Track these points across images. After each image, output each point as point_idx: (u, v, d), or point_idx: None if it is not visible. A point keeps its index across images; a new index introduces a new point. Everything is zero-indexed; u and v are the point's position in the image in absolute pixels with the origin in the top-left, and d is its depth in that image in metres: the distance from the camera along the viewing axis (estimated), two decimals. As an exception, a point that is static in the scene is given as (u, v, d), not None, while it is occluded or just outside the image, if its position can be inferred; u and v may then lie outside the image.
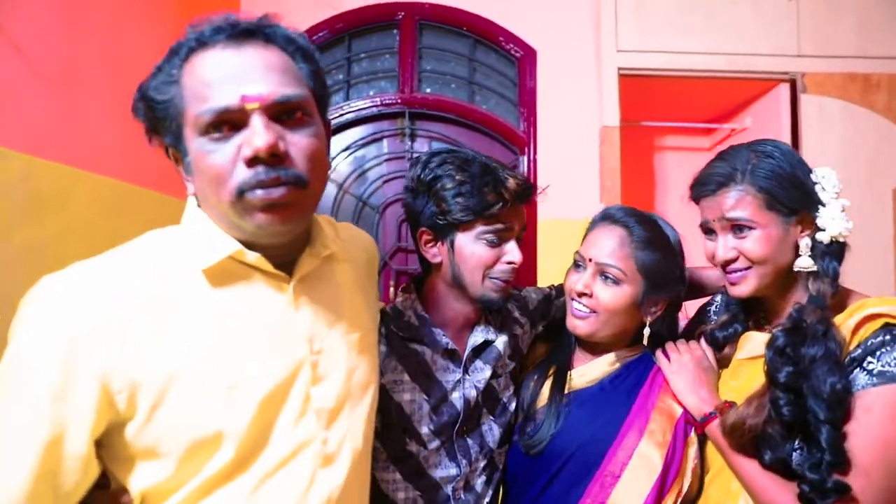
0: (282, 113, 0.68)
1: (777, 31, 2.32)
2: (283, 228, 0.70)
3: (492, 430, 1.06)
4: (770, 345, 0.92)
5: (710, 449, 1.02)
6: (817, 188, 0.94)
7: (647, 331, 1.08)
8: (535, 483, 1.06)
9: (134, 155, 1.49)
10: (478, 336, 1.05)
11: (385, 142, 2.44)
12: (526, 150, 2.38)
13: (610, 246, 1.05)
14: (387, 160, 2.43)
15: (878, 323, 0.87)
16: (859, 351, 0.86)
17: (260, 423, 0.70)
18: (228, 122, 0.66)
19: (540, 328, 1.20)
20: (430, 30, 2.44)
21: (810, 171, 0.95)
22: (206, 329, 0.69)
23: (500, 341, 1.07)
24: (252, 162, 0.66)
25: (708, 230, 1.00)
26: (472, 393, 1.03)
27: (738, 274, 0.96)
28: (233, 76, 0.67)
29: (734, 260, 0.96)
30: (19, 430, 0.62)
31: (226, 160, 0.66)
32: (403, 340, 1.02)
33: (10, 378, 0.63)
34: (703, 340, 1.10)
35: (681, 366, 1.06)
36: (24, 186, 1.22)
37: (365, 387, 0.83)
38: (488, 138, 2.42)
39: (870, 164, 2.31)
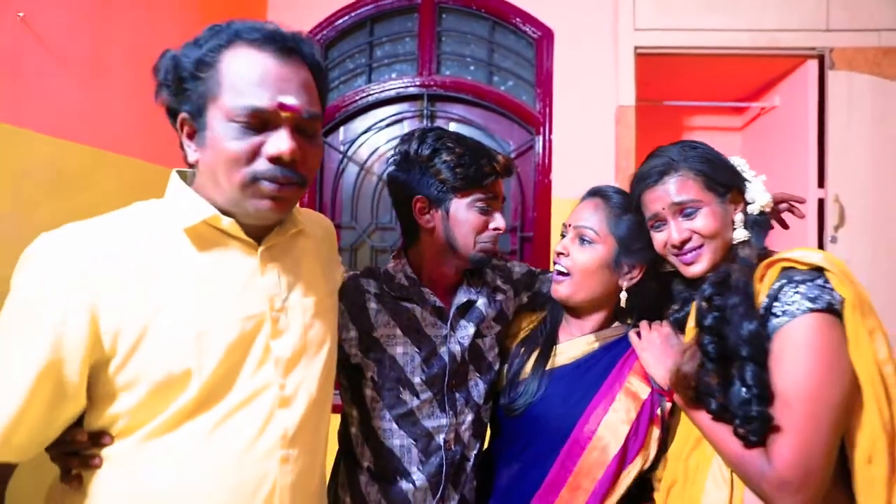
0: (303, 125, 0.82)
1: (804, 5, 2.24)
2: (276, 216, 0.86)
3: (477, 387, 1.17)
4: (700, 295, 1.02)
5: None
6: (739, 170, 1.07)
7: (623, 295, 1.16)
8: (516, 443, 1.17)
9: (155, 136, 1.62)
10: (461, 296, 1.17)
11: (405, 123, 2.52)
12: (541, 129, 2.40)
13: (587, 212, 1.16)
14: (407, 141, 2.50)
15: (777, 269, 0.95)
16: (767, 300, 0.94)
17: (225, 366, 0.81)
18: (259, 120, 0.79)
19: (525, 299, 1.30)
20: (449, 13, 2.49)
21: (730, 161, 1.08)
22: (183, 284, 0.81)
23: (482, 303, 1.19)
24: (275, 160, 0.80)
25: (656, 223, 1.09)
26: (458, 348, 1.15)
27: (693, 253, 1.04)
28: (273, 84, 0.80)
29: (688, 240, 1.04)
30: (23, 355, 0.73)
31: (247, 149, 0.79)
32: (395, 299, 1.14)
33: (14, 312, 0.75)
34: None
35: (649, 342, 1.14)
36: (52, 167, 1.36)
37: (321, 343, 0.94)
38: (505, 119, 2.46)
39: (903, 142, 2.22)
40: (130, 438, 0.79)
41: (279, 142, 0.79)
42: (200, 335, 0.80)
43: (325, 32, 2.47)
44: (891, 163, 2.21)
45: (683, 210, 1.03)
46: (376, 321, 1.10)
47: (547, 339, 1.20)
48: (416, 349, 1.11)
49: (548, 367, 1.17)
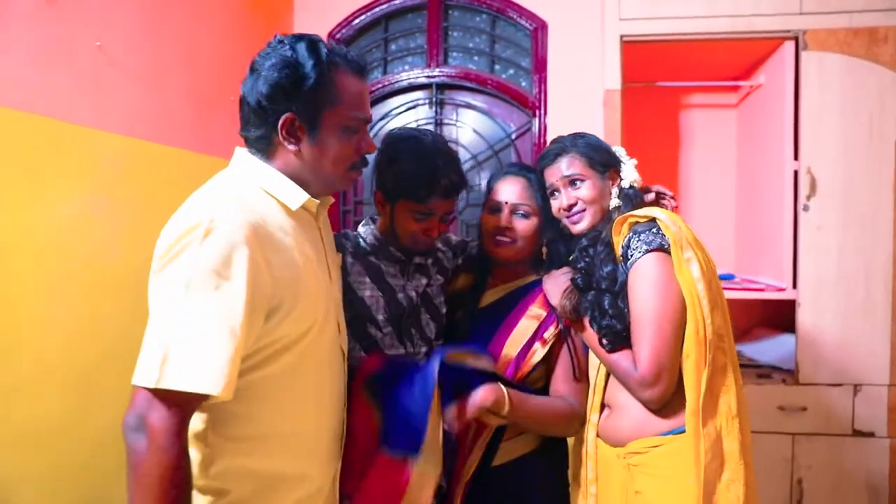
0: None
1: (778, -10, 2.43)
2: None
3: (429, 326, 1.49)
4: (578, 246, 1.37)
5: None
6: (617, 155, 1.41)
7: (544, 249, 1.51)
8: None
9: (203, 130, 2.00)
10: (417, 258, 1.48)
11: (417, 110, 2.83)
12: (537, 112, 2.67)
13: (518, 191, 1.47)
14: (418, 126, 2.82)
15: (628, 224, 1.29)
16: (622, 249, 1.28)
17: (325, 307, 1.11)
18: (360, 127, 1.12)
19: (460, 260, 1.63)
20: (455, 9, 2.77)
21: (610, 148, 1.43)
22: (294, 244, 1.05)
23: (429, 261, 1.52)
24: (367, 152, 1.15)
25: (552, 192, 1.43)
26: (413, 294, 1.46)
27: (578, 215, 1.39)
28: (367, 100, 1.13)
29: (574, 205, 1.38)
30: (231, 306, 0.90)
31: (351, 148, 1.11)
32: (365, 255, 1.45)
33: (211, 274, 0.89)
34: None
35: (553, 278, 1.46)
36: (124, 160, 1.74)
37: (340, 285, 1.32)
38: (505, 103, 2.74)
39: (873, 116, 2.38)
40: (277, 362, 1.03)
41: (370, 142, 1.15)
42: (313, 281, 1.07)
43: (344, 31, 2.80)
44: (859, 136, 2.38)
45: (572, 181, 1.38)
46: (351, 270, 1.41)
47: (474, 290, 1.55)
48: (379, 293, 1.42)
49: (473, 309, 1.52)
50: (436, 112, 2.78)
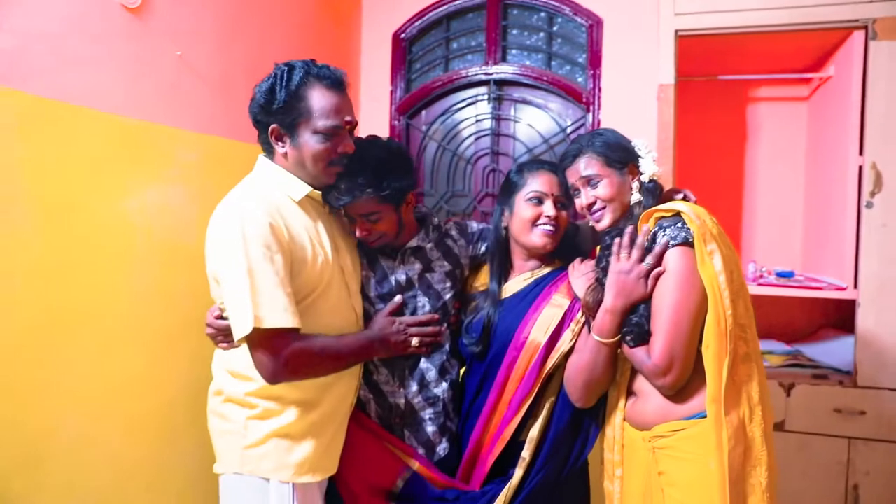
0: (352, 129, 1.44)
1: (845, -21, 2.34)
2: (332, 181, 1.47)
3: (424, 308, 1.60)
4: (601, 244, 1.44)
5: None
6: (636, 149, 1.43)
7: None
8: (476, 372, 1.62)
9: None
10: (413, 242, 1.61)
11: (477, 105, 2.95)
12: (591, 108, 2.72)
13: (557, 183, 1.56)
14: (477, 120, 2.94)
15: (654, 218, 1.35)
16: (647, 242, 1.33)
17: (328, 270, 1.44)
18: (334, 132, 1.38)
19: (482, 248, 1.71)
20: (514, 7, 2.86)
21: (629, 141, 1.46)
22: (302, 228, 1.41)
23: (429, 247, 1.63)
24: (344, 152, 1.41)
25: (574, 191, 1.49)
26: (403, 277, 1.59)
27: (599, 213, 1.45)
28: (341, 109, 1.40)
29: (594, 203, 1.44)
30: (278, 264, 1.31)
31: (328, 148, 1.39)
32: None
33: (262, 247, 1.29)
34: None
35: (579, 271, 1.53)
36: (196, 154, 1.98)
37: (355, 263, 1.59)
38: (561, 98, 2.81)
39: (949, 109, 2.26)
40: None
41: (349, 143, 1.42)
42: (324, 254, 1.44)
43: (408, 30, 2.96)
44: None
45: (590, 181, 1.43)
46: (361, 256, 1.62)
47: (499, 282, 1.63)
48: (371, 272, 1.60)
49: (498, 299, 1.61)
50: (493, 108, 2.89)
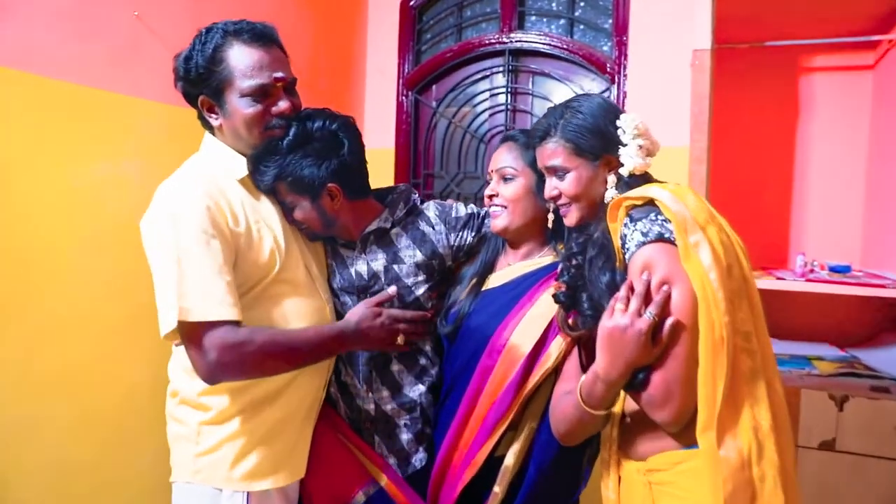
0: (289, 87, 1.27)
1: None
2: None
3: (392, 304, 1.36)
4: (564, 253, 1.20)
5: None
6: (619, 132, 1.11)
7: (550, 216, 1.30)
8: (454, 362, 1.39)
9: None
10: (373, 224, 1.39)
11: (490, 79, 2.69)
12: (616, 78, 2.43)
13: (503, 155, 1.34)
14: (491, 95, 2.68)
15: (624, 209, 1.05)
16: (620, 240, 1.04)
17: (279, 255, 1.27)
18: (263, 92, 1.21)
19: (468, 237, 1.45)
20: (532, -30, 2.59)
21: (617, 117, 1.13)
22: (249, 209, 1.26)
23: (395, 231, 1.40)
24: (280, 115, 1.24)
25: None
26: (364, 268, 1.39)
27: (564, 208, 1.18)
28: (267, 65, 1.22)
29: (558, 197, 1.17)
30: (217, 252, 1.14)
31: (260, 112, 1.23)
32: None
33: (199, 233, 1.14)
34: None
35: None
36: (164, 126, 1.79)
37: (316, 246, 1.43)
38: (582, 69, 2.52)
39: None
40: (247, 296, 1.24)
41: (282, 103, 1.25)
42: (272, 237, 1.27)
43: (418, -2, 2.72)
44: None
45: (556, 172, 1.16)
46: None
47: (483, 269, 1.39)
48: (333, 263, 1.42)
49: (482, 289, 1.37)
50: (509, 80, 2.63)
